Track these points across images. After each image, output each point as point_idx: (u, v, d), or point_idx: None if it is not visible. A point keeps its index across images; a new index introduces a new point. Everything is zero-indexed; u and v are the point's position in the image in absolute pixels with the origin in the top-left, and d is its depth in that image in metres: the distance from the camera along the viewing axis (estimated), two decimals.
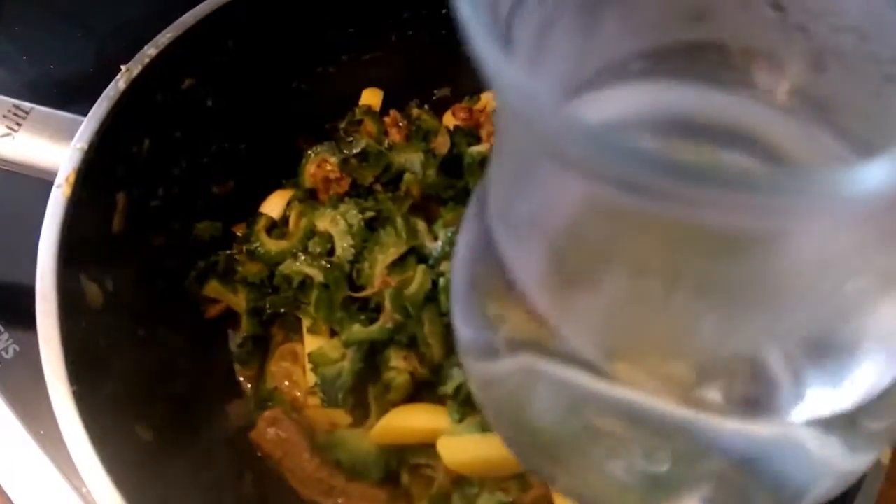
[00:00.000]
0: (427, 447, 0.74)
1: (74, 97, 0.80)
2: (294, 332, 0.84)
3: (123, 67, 0.75)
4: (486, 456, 0.71)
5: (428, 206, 0.92)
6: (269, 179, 0.95)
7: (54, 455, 0.77)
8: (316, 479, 0.72)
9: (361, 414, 0.77)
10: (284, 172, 0.96)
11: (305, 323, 0.82)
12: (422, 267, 0.82)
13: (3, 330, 0.85)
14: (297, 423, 0.74)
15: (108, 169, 0.72)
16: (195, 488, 0.68)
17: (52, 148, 0.72)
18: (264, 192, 0.94)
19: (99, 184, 0.71)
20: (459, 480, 0.73)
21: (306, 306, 0.81)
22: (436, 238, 0.85)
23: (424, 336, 0.79)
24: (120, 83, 0.74)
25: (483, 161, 0.93)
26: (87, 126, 0.71)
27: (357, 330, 0.77)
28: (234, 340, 0.85)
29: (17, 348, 0.84)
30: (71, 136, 0.70)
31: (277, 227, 0.90)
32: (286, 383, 0.80)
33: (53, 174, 0.69)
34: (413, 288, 0.81)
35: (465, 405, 0.74)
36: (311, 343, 0.80)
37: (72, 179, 0.68)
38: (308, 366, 0.78)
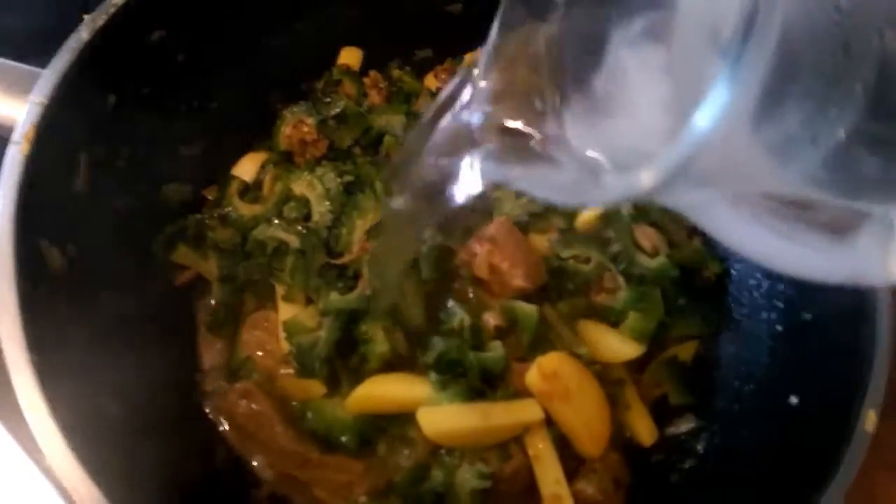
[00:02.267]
0: (405, 417, 0.72)
1: (33, 49, 0.74)
2: (268, 299, 0.81)
3: (87, 17, 0.70)
4: (468, 426, 0.69)
5: None
6: (242, 141, 0.91)
7: (11, 425, 0.74)
8: (290, 451, 0.69)
9: (337, 384, 0.75)
10: (258, 134, 0.92)
11: (280, 290, 0.79)
12: None
13: None
14: (270, 395, 0.72)
15: (69, 126, 0.68)
16: (164, 462, 0.66)
17: (9, 101, 0.67)
18: (236, 155, 0.90)
19: (60, 142, 0.66)
20: (438, 451, 0.72)
21: (281, 273, 0.78)
22: None
23: (406, 304, 0.76)
24: (83, 34, 0.69)
25: None
26: (46, 79, 0.66)
27: (335, 298, 0.74)
28: (203, 308, 0.82)
29: None
30: (29, 90, 0.66)
31: (251, 191, 0.87)
32: (259, 353, 0.77)
33: (9, 130, 0.64)
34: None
35: (447, 373, 0.72)
36: (286, 311, 0.78)
37: (31, 136, 0.63)
38: (282, 335, 0.75)
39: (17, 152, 0.63)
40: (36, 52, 0.72)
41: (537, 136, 0.40)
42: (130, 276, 0.75)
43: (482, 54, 0.40)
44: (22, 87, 0.67)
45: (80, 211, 0.69)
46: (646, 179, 0.30)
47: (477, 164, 0.40)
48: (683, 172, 0.29)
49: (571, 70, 0.40)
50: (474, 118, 0.40)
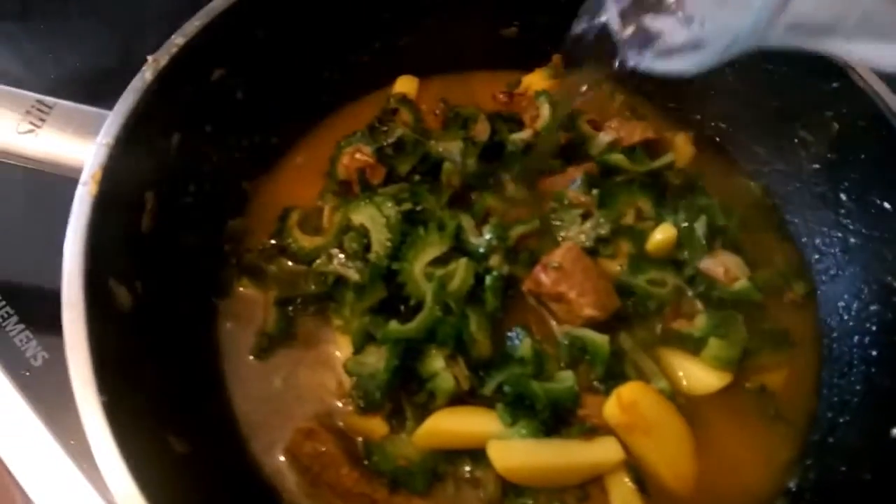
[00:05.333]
0: (474, 454, 0.69)
1: (100, 94, 0.76)
2: (325, 329, 0.79)
3: (150, 58, 0.71)
4: (542, 462, 0.66)
5: (467, 194, 0.87)
6: (301, 172, 0.92)
7: (85, 466, 0.74)
8: (357, 493, 0.67)
9: (399, 423, 0.72)
10: (316, 164, 0.92)
11: (337, 322, 0.78)
12: (464, 260, 0.76)
13: (31, 337, 0.82)
14: (334, 435, 0.70)
15: (135, 165, 0.68)
16: (230, 499, 0.65)
17: (77, 144, 0.69)
18: (296, 186, 0.90)
19: (126, 181, 0.67)
20: (511, 490, 0.68)
21: (340, 306, 0.77)
22: (481, 233, 0.80)
23: (470, 332, 0.73)
24: (146, 75, 0.70)
25: (527, 148, 0.88)
26: (112, 120, 0.67)
27: (393, 328, 0.72)
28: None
29: (46, 355, 0.81)
30: (96, 132, 0.67)
31: (310, 223, 0.86)
32: (320, 391, 0.75)
33: (78, 171, 0.65)
34: (455, 283, 0.75)
35: (517, 406, 0.69)
36: (344, 344, 0.76)
37: (98, 177, 0.64)
38: (342, 371, 0.74)
39: (85, 193, 0.64)
40: (101, 93, 0.73)
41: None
42: (196, 311, 0.75)
43: None
44: (90, 130, 0.68)
45: (147, 249, 0.70)
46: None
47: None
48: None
49: None
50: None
